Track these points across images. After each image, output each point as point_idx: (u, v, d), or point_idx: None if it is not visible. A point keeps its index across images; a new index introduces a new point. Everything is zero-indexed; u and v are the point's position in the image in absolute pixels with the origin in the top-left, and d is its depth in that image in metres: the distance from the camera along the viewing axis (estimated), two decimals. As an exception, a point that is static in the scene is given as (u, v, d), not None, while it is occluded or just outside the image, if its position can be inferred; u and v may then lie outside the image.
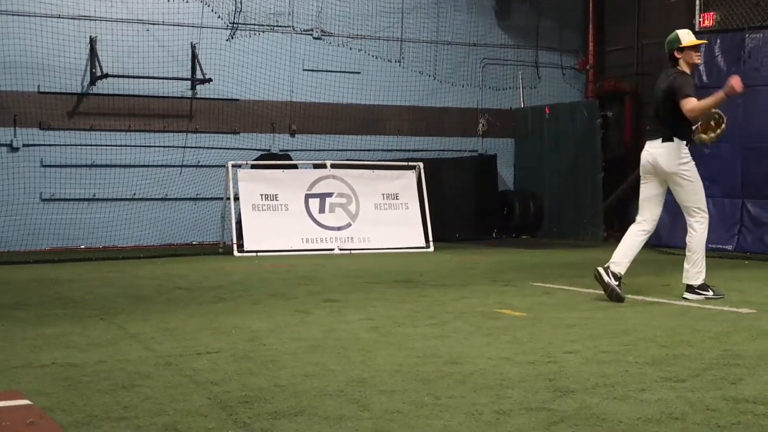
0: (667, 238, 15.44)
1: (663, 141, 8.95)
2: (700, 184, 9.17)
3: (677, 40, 8.98)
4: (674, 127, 8.90)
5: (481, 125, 19.12)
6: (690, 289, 8.97)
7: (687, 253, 9.08)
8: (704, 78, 15.26)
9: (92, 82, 15.65)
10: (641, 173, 9.38)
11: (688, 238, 9.18)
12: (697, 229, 9.17)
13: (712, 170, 15.00)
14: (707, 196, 14.88)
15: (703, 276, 9.04)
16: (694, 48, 9.00)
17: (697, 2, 16.34)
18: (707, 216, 9.26)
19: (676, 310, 8.14)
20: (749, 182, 14.66)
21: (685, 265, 9.12)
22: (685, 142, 8.95)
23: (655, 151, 9.06)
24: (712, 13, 16.34)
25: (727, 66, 15.04)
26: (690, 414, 4.44)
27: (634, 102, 19.10)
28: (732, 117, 14.72)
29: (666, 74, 9.06)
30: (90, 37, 15.59)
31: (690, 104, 8.63)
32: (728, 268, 12.40)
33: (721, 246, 14.74)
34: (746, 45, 14.84)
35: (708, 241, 14.59)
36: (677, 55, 8.98)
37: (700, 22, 16.38)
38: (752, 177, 14.64)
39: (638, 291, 9.48)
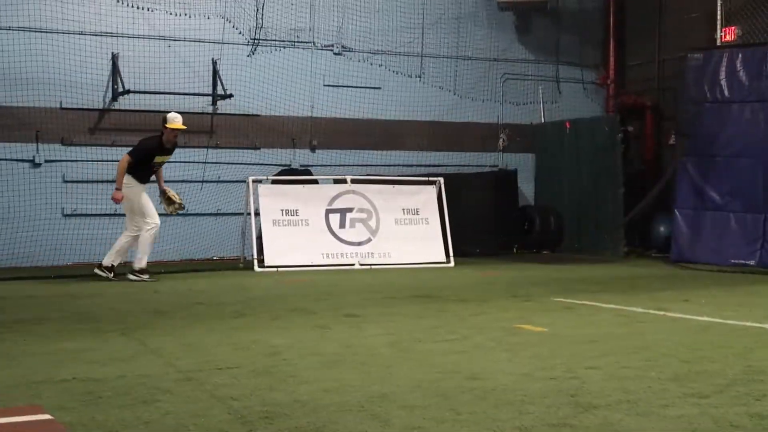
0: (689, 254, 15.39)
1: None
2: None
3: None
4: None
5: (501, 140, 19.09)
6: None
7: None
8: (726, 92, 15.21)
9: (114, 98, 15.73)
10: None
11: None
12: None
13: (733, 185, 14.96)
14: (729, 210, 14.97)
15: None
16: None
17: (719, 17, 16.30)
18: None
19: (697, 326, 8.08)
20: (771, 197, 14.58)
21: None
22: None
23: None
24: (733, 28, 16.30)
25: (749, 80, 14.98)
26: (714, 430, 4.41)
27: (654, 117, 19.04)
28: (753, 131, 14.77)
29: None
30: (112, 53, 15.69)
31: None
32: (750, 283, 12.32)
33: (743, 261, 14.65)
34: (768, 59, 14.77)
35: (730, 256, 14.72)
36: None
37: (721, 36, 16.35)
38: (774, 191, 14.56)
39: (659, 306, 9.42)
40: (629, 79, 19.90)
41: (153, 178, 13.15)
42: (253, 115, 16.70)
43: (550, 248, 18.40)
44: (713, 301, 9.98)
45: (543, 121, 19.33)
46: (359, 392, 5.31)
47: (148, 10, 15.94)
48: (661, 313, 9.00)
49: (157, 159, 12.87)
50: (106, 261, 12.93)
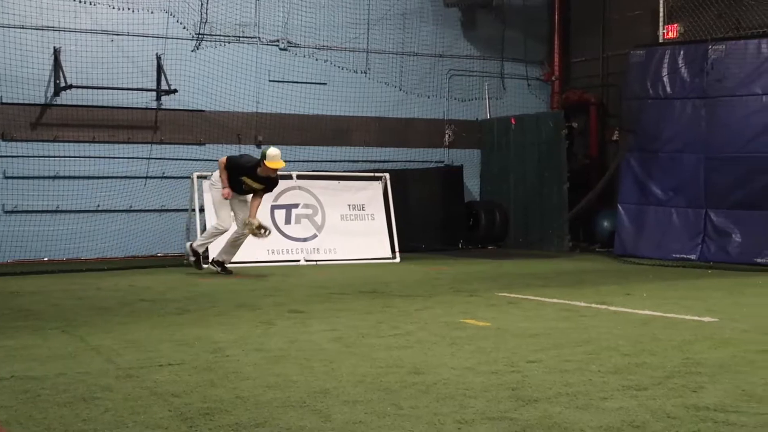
0: (632, 248, 15.57)
1: None
2: None
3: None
4: None
5: (447, 136, 19.15)
6: None
7: None
8: (668, 89, 15.40)
9: (56, 93, 15.50)
10: None
11: None
12: None
13: (675, 180, 15.16)
14: (671, 206, 15.19)
15: None
16: None
17: (661, 14, 16.49)
18: None
19: (638, 319, 8.18)
20: (712, 192, 14.79)
21: None
22: None
23: None
24: (675, 25, 16.50)
25: (691, 77, 15.19)
26: (651, 422, 4.46)
27: (599, 113, 19.22)
28: (695, 127, 14.98)
29: None
30: (54, 47, 15.46)
31: None
32: (692, 278, 12.49)
33: (684, 255, 14.86)
34: (709, 56, 14.99)
35: (672, 251, 14.93)
36: None
37: (664, 33, 16.54)
38: (715, 187, 14.77)
39: (602, 300, 9.51)
40: (574, 76, 20.06)
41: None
42: (197, 110, 16.57)
43: (495, 243, 18.51)
44: (655, 295, 10.11)
45: (488, 117, 19.42)
46: (302, 388, 5.30)
47: (91, 3, 15.74)
48: (604, 307, 9.10)
49: (246, 180, 12.62)
50: (219, 257, 13.22)
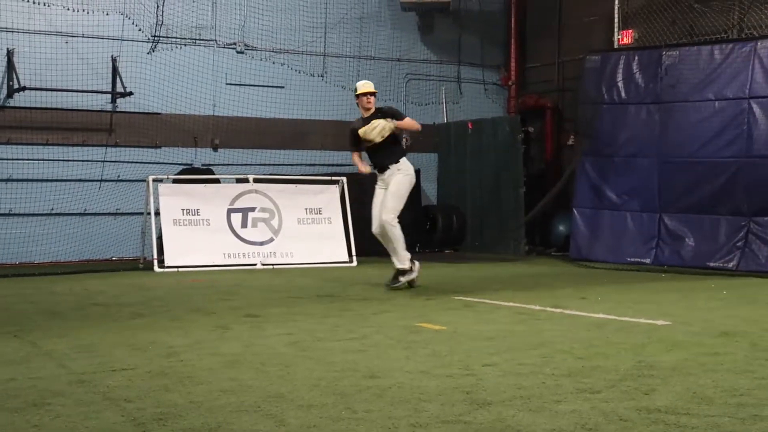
0: (587, 252, 15.68)
1: None
2: None
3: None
4: None
5: (404, 140, 19.09)
6: None
7: None
8: (623, 94, 15.54)
9: (9, 95, 15.35)
10: None
11: None
12: None
13: (630, 184, 15.29)
14: (626, 210, 15.31)
15: None
16: None
17: (616, 20, 16.64)
18: None
19: (593, 323, 8.23)
20: (666, 196, 14.93)
21: None
22: None
23: None
24: (630, 31, 16.65)
25: (645, 82, 15.33)
26: (603, 425, 4.49)
27: (554, 117, 19.36)
28: (649, 132, 15.12)
29: None
30: (7, 49, 15.31)
31: None
32: (646, 281, 12.60)
33: (639, 259, 14.98)
34: (663, 62, 15.13)
35: (626, 254, 15.06)
36: None
37: (618, 39, 16.69)
38: (669, 191, 14.91)
39: (557, 304, 9.57)
40: (530, 81, 20.19)
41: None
42: (153, 113, 16.47)
43: (452, 247, 18.57)
44: (609, 299, 10.18)
45: (445, 121, 19.49)
46: (256, 392, 5.28)
47: (45, 5, 15.60)
48: (559, 310, 9.14)
49: (365, 134, 11.53)
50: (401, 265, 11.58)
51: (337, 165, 17.90)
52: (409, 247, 17.72)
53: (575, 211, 16.00)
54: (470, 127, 18.68)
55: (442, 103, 19.54)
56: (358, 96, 11.65)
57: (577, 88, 17.40)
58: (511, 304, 9.68)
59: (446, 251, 18.42)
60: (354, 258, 15.29)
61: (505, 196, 17.62)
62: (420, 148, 19.10)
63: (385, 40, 18.90)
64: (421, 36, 19.44)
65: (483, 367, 6.00)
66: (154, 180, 14.60)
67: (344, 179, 15.81)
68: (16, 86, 15.28)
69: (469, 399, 5.06)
